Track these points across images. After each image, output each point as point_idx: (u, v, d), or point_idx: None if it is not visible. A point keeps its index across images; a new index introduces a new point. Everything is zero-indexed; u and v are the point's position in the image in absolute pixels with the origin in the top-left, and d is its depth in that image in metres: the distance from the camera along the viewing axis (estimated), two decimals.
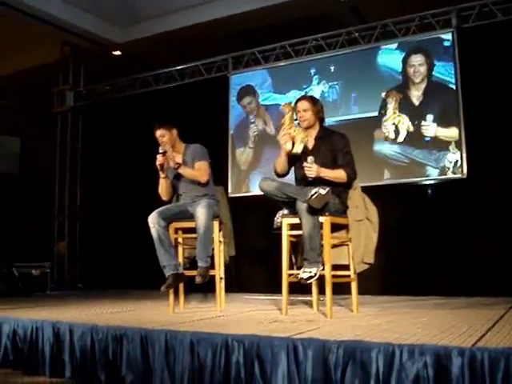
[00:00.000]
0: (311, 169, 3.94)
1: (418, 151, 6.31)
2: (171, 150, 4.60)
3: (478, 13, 6.23)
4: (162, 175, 4.68)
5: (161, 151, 4.62)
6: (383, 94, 6.61)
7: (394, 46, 6.71)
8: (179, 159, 4.69)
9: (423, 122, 6.28)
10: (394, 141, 6.47)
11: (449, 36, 6.34)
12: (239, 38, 7.86)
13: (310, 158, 3.99)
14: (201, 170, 4.67)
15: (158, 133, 4.72)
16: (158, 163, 4.61)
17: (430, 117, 6.27)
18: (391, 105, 6.54)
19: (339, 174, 4.04)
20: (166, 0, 7.71)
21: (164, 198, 4.79)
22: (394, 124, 6.50)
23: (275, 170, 4.38)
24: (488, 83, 5.98)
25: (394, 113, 6.51)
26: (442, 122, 6.23)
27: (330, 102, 6.92)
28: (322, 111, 4.31)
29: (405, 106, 6.48)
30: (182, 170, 4.59)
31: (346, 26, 7.07)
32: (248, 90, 7.59)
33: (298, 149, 4.11)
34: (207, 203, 4.49)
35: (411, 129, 6.38)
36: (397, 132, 6.46)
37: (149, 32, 8.30)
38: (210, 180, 4.76)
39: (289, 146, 4.12)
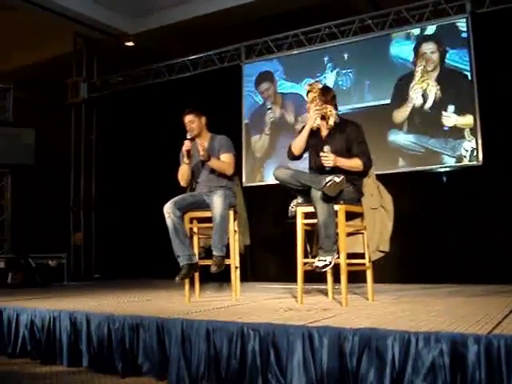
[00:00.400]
0: (328, 158, 3.92)
1: (434, 140, 6.26)
2: (196, 143, 4.59)
3: None
4: (186, 161, 4.64)
5: (189, 137, 4.60)
6: (411, 58, 6.56)
7: (405, 35, 6.65)
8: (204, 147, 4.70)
9: (444, 113, 6.21)
10: (421, 108, 6.40)
11: (463, 23, 6.27)
12: (251, 27, 7.83)
13: (327, 148, 3.97)
14: (227, 163, 4.67)
15: (188, 118, 4.69)
16: (185, 148, 4.58)
17: (451, 107, 6.18)
18: (420, 67, 6.46)
19: (356, 163, 4.03)
20: None
21: (183, 183, 4.77)
22: (421, 89, 6.43)
23: (290, 152, 4.33)
24: (503, 69, 5.93)
25: (423, 76, 6.43)
26: (456, 110, 6.18)
27: (343, 89, 6.90)
28: (334, 100, 4.26)
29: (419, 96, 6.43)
30: (211, 162, 4.57)
31: (359, 13, 7.02)
32: (266, 77, 7.56)
33: (331, 122, 4.12)
34: (223, 193, 4.50)
35: (438, 95, 6.31)
36: (425, 97, 6.40)
37: (161, 22, 8.32)
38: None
39: (318, 121, 4.12)
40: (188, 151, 4.59)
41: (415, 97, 6.45)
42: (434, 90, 6.34)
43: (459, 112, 6.16)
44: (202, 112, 4.76)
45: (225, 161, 4.67)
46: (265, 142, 7.47)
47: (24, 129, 8.64)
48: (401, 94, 6.54)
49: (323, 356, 2.61)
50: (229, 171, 4.69)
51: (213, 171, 4.67)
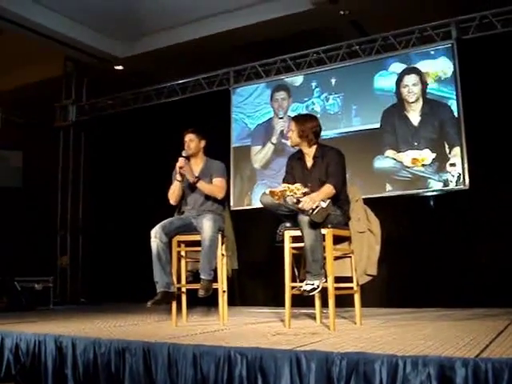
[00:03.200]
0: (306, 203, 3.85)
1: (420, 167, 6.32)
2: (188, 164, 4.64)
3: (478, 24, 6.26)
4: (178, 178, 4.66)
5: (184, 155, 4.65)
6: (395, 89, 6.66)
7: (388, 70, 6.75)
8: (197, 171, 4.73)
9: (448, 164, 6.22)
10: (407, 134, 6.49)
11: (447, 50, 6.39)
12: (240, 52, 7.90)
13: (295, 194, 3.92)
14: (219, 187, 4.71)
15: (188, 137, 4.76)
16: (178, 165, 4.61)
17: (454, 153, 6.20)
18: (403, 99, 6.59)
19: (328, 190, 3.99)
20: (168, 15, 7.74)
21: (172, 202, 4.78)
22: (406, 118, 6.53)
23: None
24: (488, 95, 6.00)
25: (406, 107, 6.55)
26: (442, 140, 6.26)
27: (331, 114, 6.96)
28: (314, 130, 4.23)
29: (405, 127, 6.51)
30: (200, 185, 4.60)
31: (346, 39, 7.11)
32: (285, 88, 7.53)
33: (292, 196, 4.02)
34: (213, 217, 4.51)
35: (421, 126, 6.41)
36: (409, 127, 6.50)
37: (150, 47, 8.36)
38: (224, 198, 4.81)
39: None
40: (181, 168, 4.60)
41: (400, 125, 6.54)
42: (417, 120, 6.43)
43: (445, 143, 6.24)
44: (204, 136, 4.81)
45: (216, 184, 4.70)
46: (269, 152, 7.44)
47: (12, 151, 8.63)
48: (389, 122, 6.63)
49: (311, 380, 2.60)
50: (219, 195, 4.71)
51: (203, 195, 4.68)
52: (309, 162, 4.27)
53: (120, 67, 8.95)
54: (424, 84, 6.45)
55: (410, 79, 6.56)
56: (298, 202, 3.85)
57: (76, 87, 9.25)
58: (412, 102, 6.49)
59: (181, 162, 4.61)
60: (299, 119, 4.31)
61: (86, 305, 8.33)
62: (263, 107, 7.60)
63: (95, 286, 8.64)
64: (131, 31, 8.28)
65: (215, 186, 4.69)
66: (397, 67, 6.69)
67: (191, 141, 4.74)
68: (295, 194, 3.87)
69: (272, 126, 7.52)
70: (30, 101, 9.00)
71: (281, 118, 7.43)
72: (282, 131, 7.36)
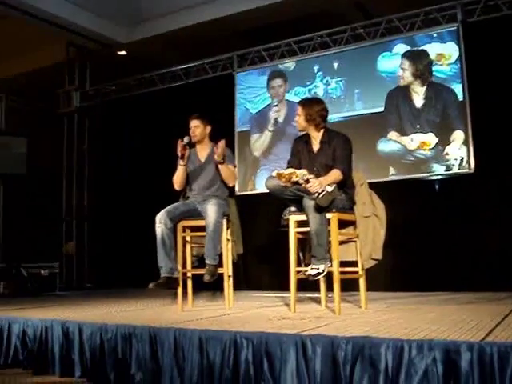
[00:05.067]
0: (314, 186, 3.86)
1: (425, 151, 6.30)
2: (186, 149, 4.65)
3: (483, 7, 6.20)
4: (181, 163, 4.67)
5: (185, 141, 4.64)
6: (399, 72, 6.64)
7: (392, 51, 6.71)
8: (203, 157, 4.74)
9: (447, 148, 6.21)
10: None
11: (453, 32, 6.33)
12: (244, 36, 7.87)
13: (304, 176, 3.91)
14: (233, 174, 4.74)
15: (194, 123, 4.74)
16: (179, 151, 4.61)
17: (456, 137, 6.19)
18: (407, 82, 6.57)
19: (336, 175, 3.99)
20: None
21: (177, 187, 4.78)
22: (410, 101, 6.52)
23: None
24: (493, 78, 5.96)
25: (411, 90, 6.53)
26: (445, 124, 6.24)
27: (334, 98, 6.94)
28: (320, 114, 4.22)
29: (408, 110, 6.48)
30: (223, 166, 4.58)
31: (350, 22, 7.06)
32: (281, 74, 7.52)
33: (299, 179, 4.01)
34: (217, 202, 4.52)
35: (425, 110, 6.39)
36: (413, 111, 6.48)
37: (153, 31, 8.33)
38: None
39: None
40: (182, 154, 4.61)
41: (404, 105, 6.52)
42: (421, 103, 6.40)
43: (449, 127, 6.22)
44: (209, 121, 4.80)
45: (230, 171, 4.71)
46: (266, 139, 7.46)
47: (16, 138, 8.63)
48: (393, 104, 6.59)
49: (316, 364, 2.61)
50: (232, 182, 4.77)
51: (208, 180, 4.68)
52: (315, 146, 4.25)
53: (123, 52, 8.94)
54: (428, 67, 6.40)
55: (413, 61, 6.53)
56: (307, 181, 3.84)
57: (79, 73, 9.22)
58: (418, 86, 6.44)
59: (180, 145, 4.60)
60: (305, 103, 4.29)
61: (91, 290, 8.38)
62: (263, 92, 7.60)
63: (101, 271, 8.68)
64: (134, 16, 8.25)
65: (231, 173, 4.70)
66: (401, 48, 6.65)
67: (196, 127, 4.73)
68: (303, 177, 3.86)
69: (267, 113, 7.52)
70: (34, 87, 9.01)
71: (275, 106, 7.42)
72: (276, 119, 7.36)
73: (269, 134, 7.44)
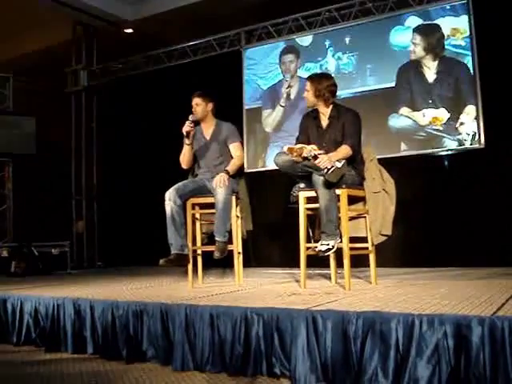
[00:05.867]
0: (324, 161, 3.84)
1: (438, 125, 6.25)
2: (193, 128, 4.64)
3: None
4: (187, 142, 4.66)
5: (191, 119, 4.62)
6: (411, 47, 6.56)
7: (404, 25, 6.62)
8: (208, 134, 4.72)
9: (460, 122, 6.14)
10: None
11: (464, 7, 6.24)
12: (251, 12, 7.77)
13: (313, 152, 3.89)
14: (239, 156, 4.71)
15: (195, 101, 4.71)
16: (184, 130, 4.60)
17: (468, 112, 6.12)
18: (419, 56, 6.50)
19: (345, 151, 3.96)
20: None
21: (184, 165, 4.78)
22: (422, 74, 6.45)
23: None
24: (504, 53, 5.88)
25: (422, 65, 6.47)
26: (457, 99, 6.17)
27: (345, 74, 6.89)
28: (330, 89, 4.18)
29: (420, 85, 6.41)
30: (231, 173, 4.54)
31: None
32: (293, 50, 7.45)
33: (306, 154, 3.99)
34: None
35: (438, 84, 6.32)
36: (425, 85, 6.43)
37: (160, 9, 8.26)
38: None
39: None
40: (188, 132, 4.60)
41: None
42: (433, 77, 6.33)
43: (460, 102, 6.15)
44: (211, 98, 4.76)
45: (236, 154, 4.69)
46: (278, 114, 7.41)
47: (24, 118, 8.64)
48: (405, 79, 6.53)
49: (327, 340, 2.62)
50: (241, 162, 4.78)
51: (216, 158, 4.67)
52: (324, 122, 4.22)
53: (130, 30, 8.89)
54: (441, 41, 6.32)
55: (424, 36, 6.44)
56: (316, 157, 3.82)
57: (86, 52, 9.18)
58: (430, 60, 6.37)
59: (188, 126, 4.60)
60: (314, 79, 4.26)
61: (102, 268, 8.45)
62: (275, 68, 7.53)
63: (111, 249, 8.73)
64: None
65: (238, 159, 4.68)
66: (413, 22, 6.56)
67: (198, 105, 4.70)
68: (312, 152, 3.84)
69: (278, 88, 7.45)
70: (41, 67, 8.98)
71: (286, 81, 7.36)
72: (288, 94, 7.29)
73: (281, 109, 7.40)
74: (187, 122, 4.60)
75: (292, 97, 7.33)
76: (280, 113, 7.39)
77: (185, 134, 4.61)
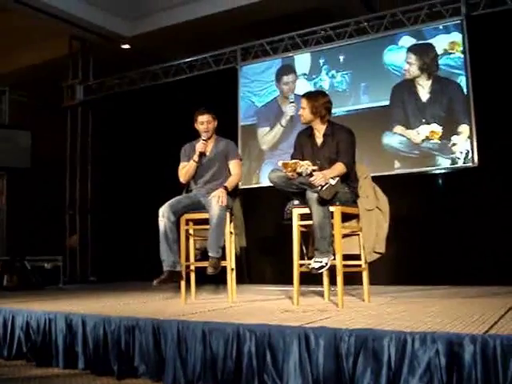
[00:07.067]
0: (318, 178, 3.85)
1: (429, 142, 6.29)
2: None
3: (487, 0, 6.16)
4: (196, 159, 4.67)
5: (204, 138, 4.66)
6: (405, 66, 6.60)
7: (398, 44, 6.68)
8: (208, 150, 4.74)
9: (453, 141, 6.18)
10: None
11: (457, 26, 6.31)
12: (248, 30, 7.84)
13: (308, 168, 3.91)
14: (237, 174, 4.74)
15: (206, 118, 4.70)
16: (200, 149, 4.64)
17: (462, 131, 6.17)
18: (412, 76, 6.54)
19: (340, 168, 4.00)
20: None
21: (184, 180, 4.78)
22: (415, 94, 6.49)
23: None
24: (498, 72, 5.94)
25: (416, 84, 6.52)
26: (450, 118, 6.22)
27: (339, 91, 6.92)
28: (326, 106, 4.22)
29: (414, 104, 6.46)
30: (229, 189, 4.56)
31: (354, 15, 7.03)
32: (289, 70, 7.46)
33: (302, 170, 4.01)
34: None
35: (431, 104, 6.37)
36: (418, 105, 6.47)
37: (157, 25, 8.32)
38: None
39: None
40: (201, 152, 4.65)
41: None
42: (426, 96, 6.38)
43: (454, 122, 6.20)
44: (216, 115, 4.79)
45: (235, 171, 4.71)
46: (277, 134, 7.41)
47: (20, 131, 8.65)
48: (399, 98, 6.58)
49: (319, 357, 2.61)
50: (239, 180, 4.83)
51: (212, 174, 4.69)
52: (319, 140, 4.25)
53: (127, 46, 8.93)
54: (435, 60, 6.37)
55: (418, 55, 6.50)
56: (311, 175, 3.84)
57: (83, 67, 9.23)
58: (423, 79, 6.42)
59: (204, 147, 4.65)
60: (310, 96, 4.29)
61: (95, 283, 8.40)
62: (270, 85, 7.56)
63: (104, 264, 8.70)
64: (138, 9, 8.25)
65: (236, 176, 4.72)
66: (407, 41, 6.62)
67: (209, 123, 4.70)
68: (307, 168, 3.87)
69: (279, 107, 7.47)
70: (38, 81, 9.00)
71: (291, 102, 7.37)
72: (292, 115, 7.30)
73: (281, 129, 7.41)
74: (203, 141, 4.65)
75: (294, 117, 7.33)
76: (280, 132, 7.40)
77: (198, 153, 4.65)
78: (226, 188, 4.49)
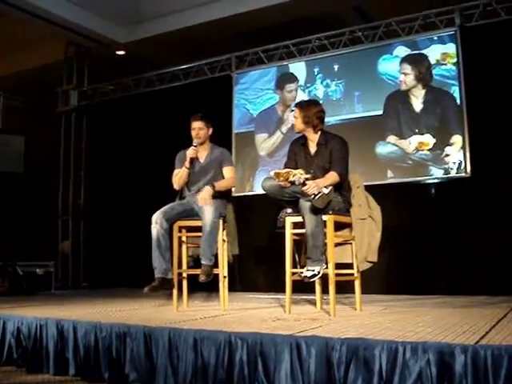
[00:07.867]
0: (311, 188, 3.85)
1: (421, 152, 6.31)
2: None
3: (482, 12, 6.22)
4: (187, 166, 4.68)
5: (195, 144, 4.67)
6: (399, 76, 6.63)
7: (393, 54, 6.71)
8: (202, 158, 4.75)
9: (446, 151, 6.21)
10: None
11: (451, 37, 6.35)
12: (243, 38, 7.88)
13: (300, 177, 3.91)
14: (231, 178, 4.76)
15: (198, 124, 4.70)
16: (190, 155, 4.64)
17: (455, 141, 6.19)
18: (406, 86, 6.56)
19: (333, 178, 4.01)
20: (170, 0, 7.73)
21: (176, 186, 4.78)
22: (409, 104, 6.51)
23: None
24: (491, 83, 5.97)
25: (410, 94, 6.53)
26: (444, 128, 6.25)
27: (333, 100, 6.94)
28: (318, 115, 4.24)
29: (407, 114, 6.49)
30: (218, 188, 4.57)
31: (349, 25, 7.08)
32: (292, 77, 7.44)
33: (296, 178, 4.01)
34: (214, 202, 4.50)
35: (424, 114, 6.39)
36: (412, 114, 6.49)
37: (152, 32, 8.34)
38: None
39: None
40: (192, 158, 4.64)
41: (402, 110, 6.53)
42: (420, 107, 6.41)
43: (447, 131, 6.22)
44: (211, 122, 4.79)
45: (228, 176, 4.73)
46: (277, 141, 7.39)
47: (13, 136, 8.62)
48: (392, 108, 6.60)
49: (311, 366, 2.61)
50: (233, 185, 4.88)
51: (205, 181, 4.69)
52: (312, 149, 4.26)
53: (122, 52, 8.94)
54: (429, 70, 6.40)
55: (413, 66, 6.52)
56: (304, 184, 3.85)
57: (78, 72, 9.20)
58: (417, 90, 6.45)
59: (194, 153, 4.65)
60: (303, 105, 4.31)
61: (87, 289, 8.37)
62: (265, 93, 7.57)
63: (96, 270, 8.66)
64: (133, 16, 8.25)
65: (229, 180, 4.73)
66: (401, 51, 6.66)
67: (201, 129, 4.70)
68: (299, 177, 3.87)
69: (278, 114, 7.47)
70: (32, 86, 9.00)
71: (293, 111, 7.34)
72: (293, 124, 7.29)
73: (281, 136, 7.41)
74: (193, 148, 4.64)
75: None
76: (279, 139, 7.39)
77: (188, 159, 4.65)
78: (213, 186, 4.50)
